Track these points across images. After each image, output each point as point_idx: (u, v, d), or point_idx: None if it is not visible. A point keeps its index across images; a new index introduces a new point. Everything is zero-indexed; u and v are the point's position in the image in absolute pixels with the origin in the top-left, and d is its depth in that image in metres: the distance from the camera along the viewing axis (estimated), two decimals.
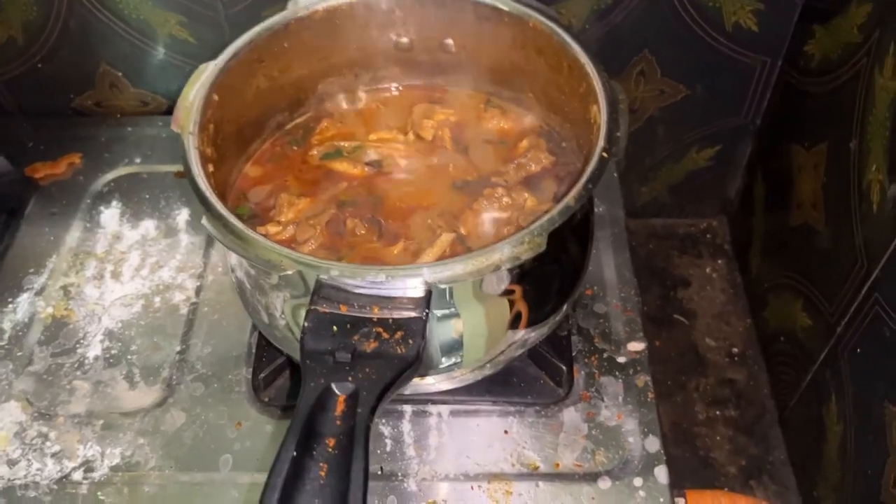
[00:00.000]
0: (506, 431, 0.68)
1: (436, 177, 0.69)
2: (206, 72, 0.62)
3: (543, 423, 0.68)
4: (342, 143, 0.72)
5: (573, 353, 0.72)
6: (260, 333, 0.73)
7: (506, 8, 0.67)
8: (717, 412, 0.97)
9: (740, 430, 0.95)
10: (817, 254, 0.84)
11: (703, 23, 0.89)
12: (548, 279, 0.61)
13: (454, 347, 0.59)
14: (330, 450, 0.45)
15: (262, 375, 0.70)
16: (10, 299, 0.78)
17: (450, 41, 0.72)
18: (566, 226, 0.53)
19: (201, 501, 0.64)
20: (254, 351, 0.73)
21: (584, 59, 0.62)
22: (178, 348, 0.74)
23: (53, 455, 0.67)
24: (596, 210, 0.81)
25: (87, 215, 0.85)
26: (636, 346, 0.73)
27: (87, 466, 0.66)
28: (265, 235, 0.64)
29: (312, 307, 0.51)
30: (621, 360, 0.72)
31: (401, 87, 0.76)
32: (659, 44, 0.91)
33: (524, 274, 0.56)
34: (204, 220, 0.53)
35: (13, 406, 0.70)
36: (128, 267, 0.80)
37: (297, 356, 0.65)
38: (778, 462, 0.92)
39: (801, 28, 0.87)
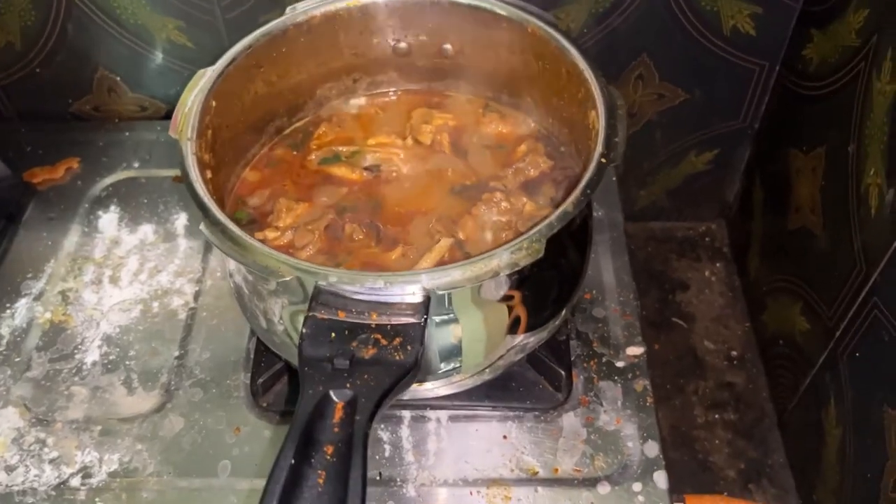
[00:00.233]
0: (505, 436, 0.68)
1: (434, 181, 0.69)
2: (204, 77, 0.62)
3: (542, 428, 0.68)
4: (340, 148, 0.72)
5: (572, 358, 0.72)
6: (258, 338, 0.73)
7: (504, 13, 0.67)
8: (716, 416, 0.97)
9: (739, 433, 0.95)
10: (816, 257, 0.84)
11: (701, 27, 0.89)
12: (547, 284, 0.61)
13: (453, 353, 0.59)
14: (328, 457, 0.45)
15: (261, 381, 0.70)
16: (8, 305, 0.78)
17: (448, 46, 0.72)
18: (565, 231, 0.53)
19: None
20: (252, 356, 0.73)
21: (582, 64, 0.62)
22: (177, 353, 0.74)
23: (51, 461, 0.67)
24: (595, 214, 0.81)
25: (86, 220, 0.85)
26: (635, 350, 0.73)
27: (85, 472, 0.66)
28: (263, 241, 0.64)
29: (311, 313, 0.51)
30: (620, 364, 0.72)
31: (399, 92, 0.77)
32: (657, 48, 0.91)
33: (523, 279, 0.56)
34: (202, 227, 0.53)
35: (11, 412, 0.70)
36: (126, 272, 0.80)
37: (295, 362, 0.64)
38: (777, 465, 0.92)
39: (799, 32, 0.87)
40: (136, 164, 0.90)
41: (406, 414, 0.69)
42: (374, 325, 0.50)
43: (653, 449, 0.67)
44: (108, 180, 0.89)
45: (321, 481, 0.44)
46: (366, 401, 0.46)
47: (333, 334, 0.50)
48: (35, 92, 0.95)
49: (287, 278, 0.50)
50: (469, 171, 0.70)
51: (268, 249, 0.52)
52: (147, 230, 0.84)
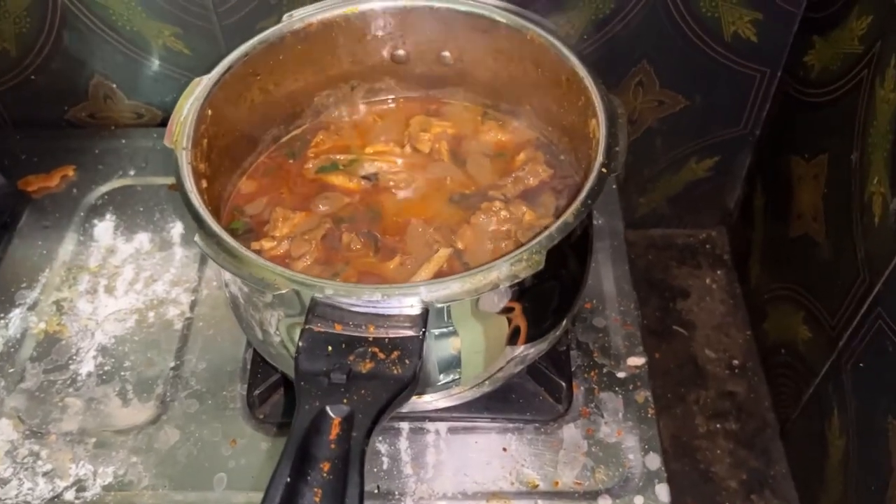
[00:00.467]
0: (504, 449, 0.67)
1: (433, 190, 0.69)
2: (200, 86, 0.62)
3: (543, 441, 0.67)
4: (338, 157, 0.71)
5: (572, 369, 0.71)
6: (255, 349, 0.72)
7: (503, 20, 0.66)
8: (718, 425, 0.96)
9: (741, 443, 0.94)
10: (818, 266, 0.83)
11: (701, 33, 0.88)
12: (547, 295, 0.60)
13: (452, 365, 0.58)
14: (324, 474, 0.44)
15: (257, 392, 0.69)
16: (2, 315, 0.77)
17: (447, 53, 0.71)
18: (565, 241, 0.53)
19: None
20: (248, 367, 0.72)
21: (582, 72, 0.61)
22: (172, 364, 0.73)
23: (45, 474, 0.66)
24: (595, 222, 0.81)
25: (81, 228, 0.84)
26: (636, 360, 0.72)
27: (80, 486, 0.65)
28: (259, 251, 0.63)
29: (307, 326, 0.50)
30: (621, 375, 0.71)
31: (397, 100, 0.76)
32: (657, 54, 0.91)
33: (523, 291, 0.55)
34: (197, 238, 0.52)
35: (4, 424, 0.69)
36: (121, 281, 0.79)
37: (291, 373, 0.63)
38: (779, 476, 0.91)
39: (801, 38, 0.86)
40: (132, 172, 0.89)
41: (404, 426, 0.68)
42: (371, 339, 0.49)
43: (654, 461, 0.66)
44: (104, 188, 0.88)
45: (317, 499, 0.43)
46: (363, 417, 0.45)
47: (330, 348, 0.49)
48: (30, 99, 0.94)
49: (283, 291, 0.49)
50: (468, 179, 0.69)
51: (263, 262, 0.51)
52: (143, 239, 0.83)
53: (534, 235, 0.61)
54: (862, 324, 0.73)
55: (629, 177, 1.05)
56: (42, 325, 0.76)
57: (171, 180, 0.87)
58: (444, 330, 0.55)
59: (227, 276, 0.63)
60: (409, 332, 0.50)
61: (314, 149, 0.72)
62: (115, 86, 0.94)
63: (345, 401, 0.46)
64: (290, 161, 0.71)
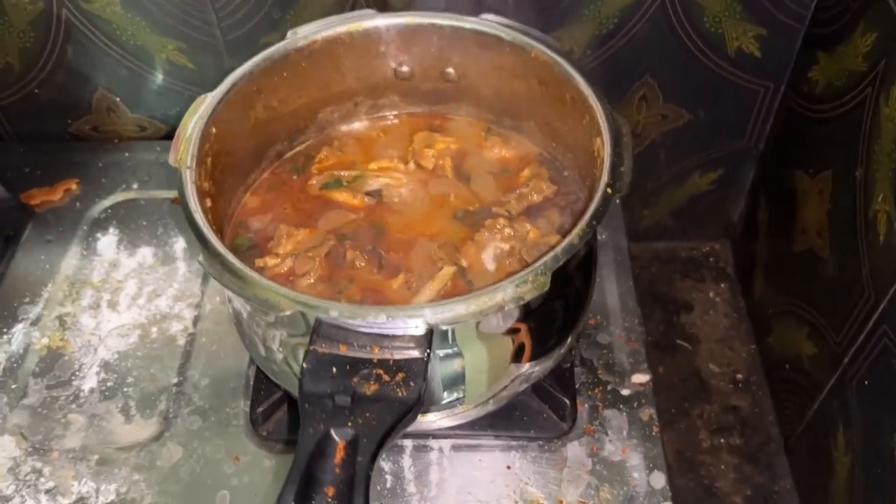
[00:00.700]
0: (508, 467, 0.67)
1: (437, 207, 0.68)
2: (204, 104, 0.62)
3: (547, 459, 0.67)
4: (342, 173, 0.71)
5: (576, 386, 0.71)
6: (258, 365, 0.72)
7: (507, 38, 0.66)
8: (722, 440, 0.96)
9: (745, 458, 0.94)
10: (822, 281, 0.83)
11: (705, 48, 0.88)
12: (552, 314, 0.60)
13: (456, 385, 0.58)
14: (329, 499, 0.44)
15: (261, 409, 0.69)
16: (4, 330, 0.77)
17: (451, 70, 0.71)
18: (570, 261, 0.52)
19: None
20: (252, 383, 0.72)
21: (586, 91, 0.61)
22: (175, 380, 0.73)
23: (48, 491, 0.66)
24: (598, 237, 0.80)
25: (84, 242, 0.84)
26: (640, 377, 0.72)
27: (82, 503, 0.65)
28: (263, 268, 0.63)
29: (312, 347, 0.50)
30: (625, 392, 0.71)
31: (401, 115, 0.76)
32: (661, 69, 0.91)
33: (528, 311, 0.55)
34: (201, 259, 0.52)
35: (7, 440, 0.69)
36: (125, 296, 0.79)
37: (294, 391, 0.63)
38: (784, 492, 0.91)
39: (805, 54, 0.86)
40: (136, 186, 0.89)
41: (408, 443, 0.68)
42: (376, 360, 0.49)
43: (659, 480, 0.66)
44: (107, 202, 0.88)
45: None
46: (367, 441, 0.45)
47: (335, 369, 0.49)
48: (34, 112, 0.94)
49: (287, 312, 0.49)
50: (472, 196, 0.69)
51: (267, 283, 0.51)
52: (146, 253, 0.83)
53: (539, 255, 0.60)
54: (867, 341, 0.73)
55: (632, 190, 1.04)
56: (45, 341, 0.76)
57: (174, 194, 0.86)
58: (449, 351, 0.55)
59: (230, 291, 0.63)
60: (414, 354, 0.50)
61: (318, 165, 0.72)
62: (118, 99, 0.94)
63: (349, 424, 0.46)
64: (294, 177, 0.71)
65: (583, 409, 0.70)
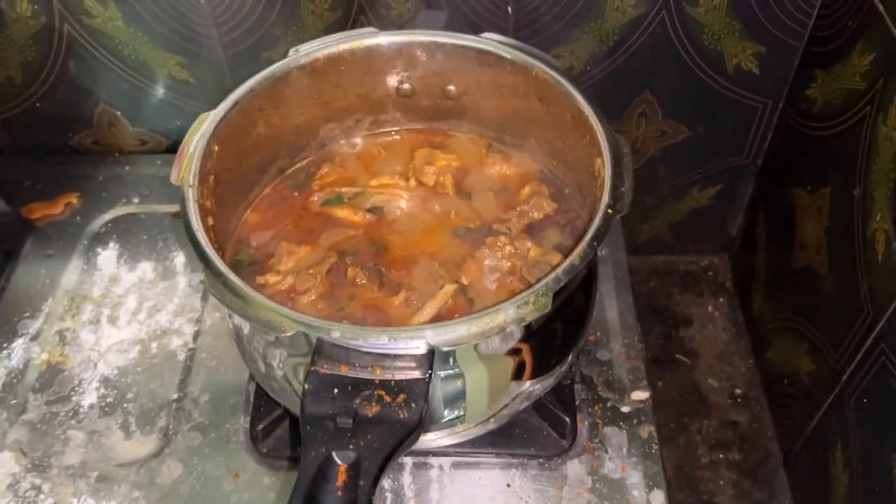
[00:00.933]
0: (508, 485, 0.67)
1: (437, 224, 0.69)
2: (206, 122, 0.62)
3: (547, 476, 0.67)
4: (343, 189, 0.71)
5: (576, 403, 0.71)
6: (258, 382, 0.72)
7: (508, 56, 0.66)
8: (721, 455, 0.96)
9: (744, 474, 0.94)
10: (821, 298, 0.83)
11: (704, 65, 0.89)
12: (553, 334, 0.60)
13: (457, 404, 0.58)
14: None
15: (261, 426, 0.69)
16: (4, 344, 0.77)
17: (452, 87, 0.71)
18: (571, 281, 0.53)
19: None
20: (252, 399, 0.72)
21: (587, 111, 0.61)
22: (175, 396, 0.73)
23: None
24: (598, 254, 0.80)
25: (84, 257, 0.84)
26: (640, 395, 0.72)
27: None
28: (264, 285, 0.63)
29: (313, 368, 0.50)
30: (625, 409, 0.71)
31: (402, 132, 0.76)
32: (660, 85, 0.91)
33: (529, 332, 0.55)
34: (203, 278, 0.52)
35: (7, 457, 0.69)
36: (125, 311, 0.79)
37: (294, 408, 0.64)
38: None
39: (803, 72, 0.87)
40: (136, 200, 0.89)
41: (408, 461, 0.68)
42: (377, 381, 0.49)
43: (659, 498, 0.66)
44: (108, 216, 0.88)
45: None
46: (369, 464, 0.45)
47: (336, 390, 0.49)
48: (35, 126, 0.94)
49: (289, 333, 0.49)
50: (472, 213, 0.69)
51: (269, 303, 0.51)
52: (146, 268, 0.83)
53: (540, 273, 0.61)
54: (865, 359, 0.73)
55: (632, 204, 1.05)
56: (44, 356, 0.76)
57: (174, 208, 0.87)
58: (450, 371, 0.55)
59: None
60: (416, 374, 0.50)
61: (319, 181, 0.72)
62: (119, 113, 0.94)
63: (351, 447, 0.46)
64: (295, 193, 0.72)
65: (583, 426, 0.70)
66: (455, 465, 0.68)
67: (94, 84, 0.91)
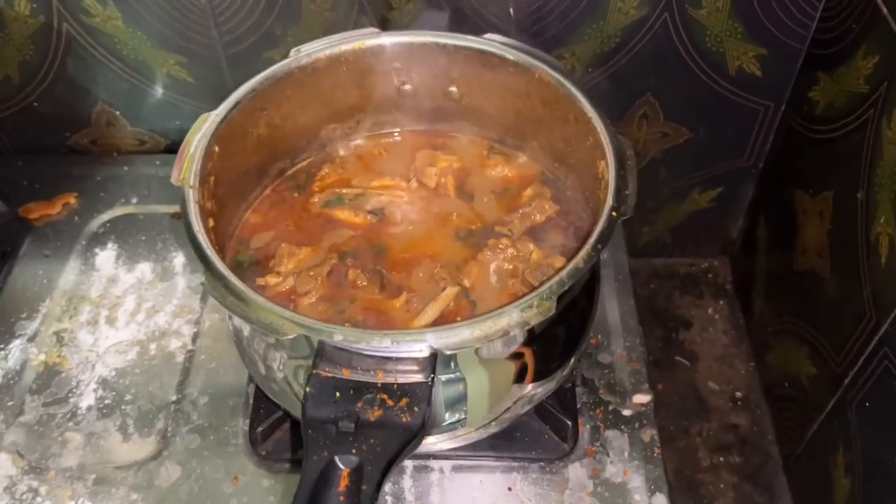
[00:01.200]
0: (509, 488, 0.66)
1: (439, 226, 0.68)
2: (207, 122, 0.61)
3: (548, 480, 0.67)
4: (343, 191, 0.71)
5: (578, 406, 0.71)
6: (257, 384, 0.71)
7: (511, 57, 0.66)
8: (721, 458, 0.95)
9: (745, 477, 0.94)
10: (823, 302, 0.83)
11: (706, 67, 0.89)
12: (555, 337, 0.59)
13: (458, 408, 0.57)
14: None
15: (260, 429, 0.68)
16: (1, 346, 0.76)
17: (454, 89, 0.71)
18: (574, 285, 0.52)
19: None
20: (251, 401, 0.71)
21: (591, 112, 0.61)
22: (174, 398, 0.72)
23: None
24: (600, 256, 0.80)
25: (82, 257, 0.84)
26: (642, 398, 0.72)
27: None
28: (265, 287, 0.63)
29: (315, 371, 0.49)
30: (627, 412, 0.71)
31: (403, 133, 0.76)
32: (662, 87, 0.91)
33: (532, 335, 0.55)
34: (204, 281, 0.52)
35: (3, 459, 0.68)
36: (123, 312, 0.79)
37: (293, 411, 0.63)
38: None
39: (805, 74, 0.87)
40: (135, 200, 0.89)
41: (409, 464, 0.67)
42: (379, 385, 0.49)
43: (661, 502, 0.65)
44: (106, 216, 0.87)
45: None
46: (372, 469, 0.45)
47: (338, 393, 0.49)
48: (32, 125, 0.94)
49: (291, 336, 0.49)
50: (474, 215, 0.69)
51: (271, 305, 0.51)
52: (145, 268, 0.82)
53: (542, 276, 0.61)
54: (868, 363, 0.73)
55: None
56: (42, 357, 0.75)
57: (173, 208, 0.87)
58: (451, 375, 0.54)
59: None
60: (418, 378, 0.49)
61: (319, 182, 0.72)
62: (117, 113, 0.94)
63: (353, 451, 0.46)
64: (296, 195, 0.71)
65: (584, 429, 0.69)
66: (456, 469, 0.67)
67: (93, 83, 0.90)
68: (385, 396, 0.48)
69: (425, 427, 0.48)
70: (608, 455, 0.68)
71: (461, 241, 0.67)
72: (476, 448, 0.67)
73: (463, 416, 0.59)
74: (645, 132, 0.96)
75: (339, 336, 0.49)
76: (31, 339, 0.77)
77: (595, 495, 0.66)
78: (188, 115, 0.92)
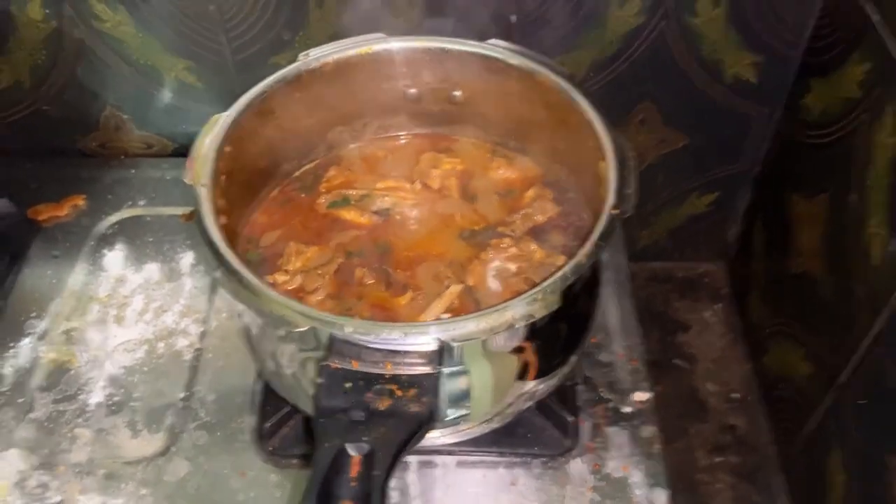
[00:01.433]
0: (512, 483, 0.67)
1: (443, 226, 0.70)
2: (218, 123, 0.63)
3: (550, 475, 0.68)
4: (349, 192, 0.72)
5: (579, 404, 0.72)
6: (265, 381, 0.73)
7: (514, 62, 0.68)
8: (719, 459, 0.97)
9: (742, 477, 0.95)
10: (818, 303, 0.84)
11: (703, 74, 0.90)
12: (557, 333, 0.61)
13: (462, 402, 0.58)
14: None
15: (268, 425, 0.70)
16: (11, 344, 0.77)
17: (458, 93, 0.73)
18: (577, 281, 0.54)
19: None
20: (258, 399, 0.73)
21: (592, 115, 0.63)
22: (182, 395, 0.73)
23: None
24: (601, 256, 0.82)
25: (91, 258, 0.85)
26: (641, 396, 0.73)
27: None
28: (273, 285, 0.64)
29: (325, 363, 0.51)
30: (627, 410, 0.72)
31: (408, 136, 0.77)
32: (660, 93, 0.93)
33: (535, 330, 0.56)
34: (218, 275, 0.53)
35: (14, 454, 0.69)
36: (131, 311, 0.80)
37: (302, 406, 0.64)
38: None
39: (800, 81, 0.89)
40: (142, 202, 0.90)
41: (413, 459, 0.69)
42: (388, 376, 0.50)
43: (661, 497, 0.67)
44: (114, 218, 0.89)
45: None
46: (383, 455, 0.46)
47: (348, 385, 0.50)
48: (42, 129, 0.95)
49: (303, 328, 0.50)
50: (477, 216, 0.70)
51: (283, 298, 0.52)
52: (153, 269, 0.84)
53: (547, 275, 0.62)
54: (862, 362, 0.75)
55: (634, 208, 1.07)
56: (52, 355, 0.76)
57: (180, 211, 0.88)
58: (456, 368, 0.55)
59: (241, 306, 0.64)
60: (426, 370, 0.51)
61: (326, 183, 0.73)
62: (126, 117, 0.95)
63: (364, 439, 0.47)
64: (303, 195, 0.73)
65: (585, 426, 0.71)
66: (460, 464, 0.69)
67: (102, 87, 0.92)
68: (394, 387, 0.50)
69: (434, 416, 0.49)
70: (608, 451, 0.69)
71: (465, 241, 0.68)
72: (479, 444, 0.68)
73: (467, 412, 0.60)
74: (643, 137, 0.97)
75: (350, 328, 0.50)
76: (40, 338, 0.78)
77: (596, 490, 0.67)
78: (195, 120, 0.93)
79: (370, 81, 0.71)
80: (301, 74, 0.68)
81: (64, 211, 0.89)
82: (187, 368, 0.75)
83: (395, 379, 0.50)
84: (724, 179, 1.02)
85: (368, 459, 0.46)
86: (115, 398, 0.73)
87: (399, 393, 0.49)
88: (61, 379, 0.75)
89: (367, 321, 0.53)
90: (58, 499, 0.66)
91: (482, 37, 0.69)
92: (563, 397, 0.71)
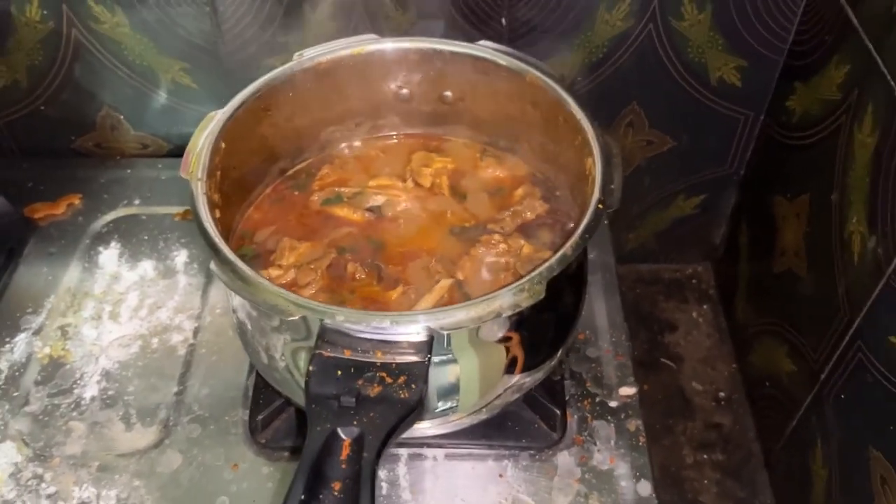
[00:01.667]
0: (500, 475, 0.69)
1: (434, 223, 0.71)
2: (214, 120, 0.64)
3: (538, 467, 0.69)
4: (342, 189, 0.73)
5: (566, 398, 0.73)
6: (257, 375, 0.74)
7: (503, 63, 0.69)
8: (705, 456, 0.98)
9: (727, 473, 0.96)
10: (801, 301, 0.86)
11: (689, 77, 0.92)
12: (544, 326, 0.62)
13: (450, 393, 0.60)
14: (336, 493, 0.46)
15: (260, 417, 0.71)
16: (7, 339, 0.78)
17: (449, 93, 0.74)
18: (563, 274, 0.55)
19: None
20: (251, 393, 0.74)
21: (579, 114, 0.64)
22: (176, 389, 0.74)
23: (49, 497, 0.67)
24: (587, 256, 0.83)
25: (86, 256, 0.86)
26: (627, 390, 0.74)
27: None
28: (267, 279, 0.65)
29: (317, 351, 0.52)
30: (613, 404, 0.74)
31: (400, 136, 0.79)
32: (647, 97, 0.95)
33: (521, 321, 0.58)
34: (212, 266, 0.54)
35: (9, 447, 0.70)
36: (126, 308, 0.81)
37: (295, 398, 0.65)
38: None
39: (783, 84, 0.91)
40: (137, 202, 0.91)
41: (403, 452, 0.70)
42: (379, 364, 0.51)
43: (646, 488, 0.68)
44: (109, 217, 0.90)
45: None
46: (373, 438, 0.47)
47: (339, 372, 0.51)
48: (38, 128, 0.96)
49: (295, 317, 0.52)
50: (467, 213, 0.72)
51: (276, 289, 0.53)
52: (147, 266, 0.85)
53: (533, 267, 0.63)
54: (843, 357, 0.76)
55: (618, 213, 1.08)
56: (47, 350, 0.77)
57: (175, 210, 0.89)
58: (444, 358, 0.57)
59: (235, 301, 0.65)
60: (415, 358, 0.52)
61: (319, 181, 0.74)
62: (122, 117, 0.96)
63: (355, 422, 0.48)
64: (296, 193, 0.74)
65: (572, 419, 0.72)
66: (449, 457, 0.70)
67: (99, 88, 0.93)
68: (384, 374, 0.51)
69: (422, 403, 0.50)
70: (595, 444, 0.71)
71: (455, 237, 0.70)
72: (468, 436, 0.69)
73: (455, 404, 0.61)
74: (631, 140, 0.99)
75: (341, 316, 0.51)
76: (36, 333, 0.79)
77: (583, 482, 0.68)
78: (190, 121, 0.95)
79: (363, 81, 0.73)
80: (295, 74, 0.69)
81: (60, 209, 0.90)
82: (181, 363, 0.76)
83: (385, 367, 0.51)
84: (710, 182, 1.04)
85: (358, 443, 0.47)
86: (110, 392, 0.74)
87: (389, 380, 0.51)
88: (56, 373, 0.76)
89: (357, 310, 0.54)
90: (52, 490, 0.67)
91: (473, 38, 0.71)
92: (551, 391, 0.73)
